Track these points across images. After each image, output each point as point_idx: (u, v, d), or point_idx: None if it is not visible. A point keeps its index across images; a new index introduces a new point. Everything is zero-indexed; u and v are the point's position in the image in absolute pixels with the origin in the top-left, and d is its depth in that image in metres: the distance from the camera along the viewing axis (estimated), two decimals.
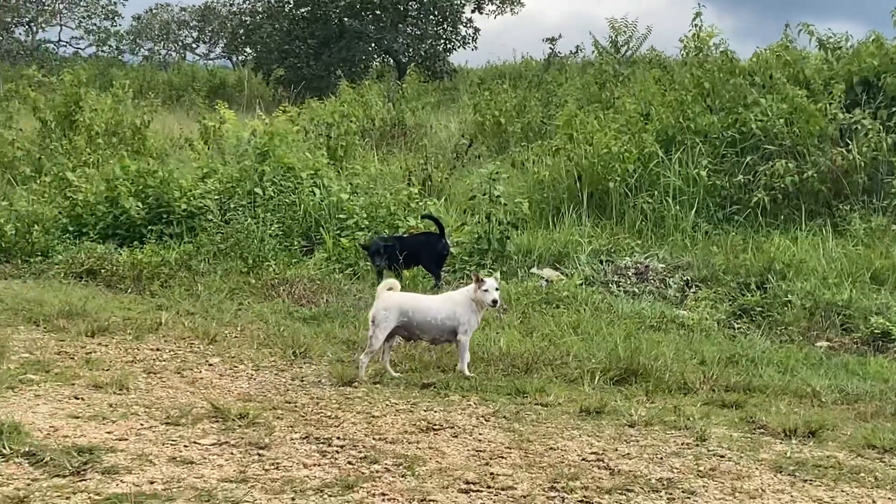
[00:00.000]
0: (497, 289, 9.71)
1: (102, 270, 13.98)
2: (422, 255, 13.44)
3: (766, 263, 13.59)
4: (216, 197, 15.96)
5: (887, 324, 11.79)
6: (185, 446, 7.37)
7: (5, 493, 6.27)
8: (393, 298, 9.69)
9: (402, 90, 30.05)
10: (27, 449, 7.00)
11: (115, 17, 51.31)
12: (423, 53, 41.73)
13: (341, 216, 15.63)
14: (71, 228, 15.95)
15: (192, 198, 15.93)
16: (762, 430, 8.35)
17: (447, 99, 32.84)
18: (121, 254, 14.59)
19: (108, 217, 15.94)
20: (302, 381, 9.48)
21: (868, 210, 15.45)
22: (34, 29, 49.40)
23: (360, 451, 7.39)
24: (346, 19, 40.76)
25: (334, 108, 22.23)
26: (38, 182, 17.94)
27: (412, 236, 13.99)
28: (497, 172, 15.27)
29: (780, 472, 7.30)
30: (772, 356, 10.79)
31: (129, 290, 13.34)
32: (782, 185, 15.55)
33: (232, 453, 7.26)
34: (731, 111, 17.15)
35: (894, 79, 17.04)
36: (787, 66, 17.93)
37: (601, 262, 14.45)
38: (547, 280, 13.61)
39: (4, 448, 6.95)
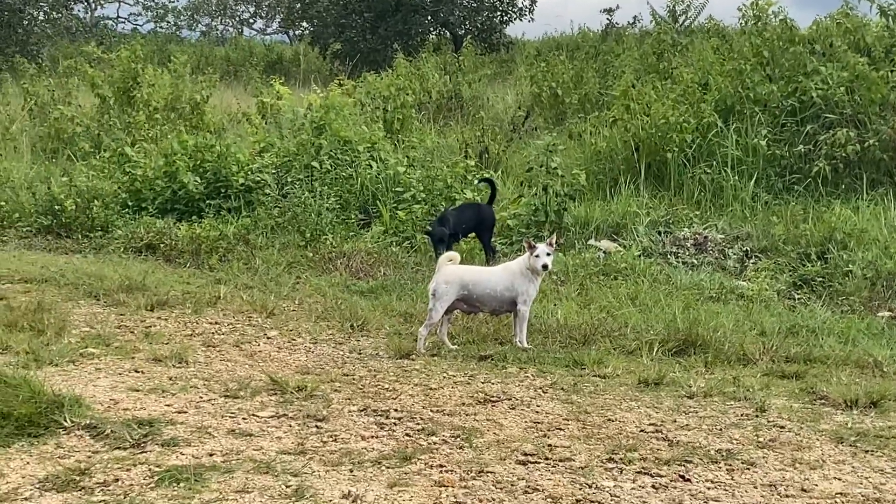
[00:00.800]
0: (549, 254, 9.63)
1: (161, 245, 14.10)
2: (477, 227, 13.39)
3: (827, 233, 13.41)
4: (273, 171, 16.01)
5: None
6: (244, 419, 7.42)
7: (67, 464, 6.34)
8: (454, 271, 9.67)
9: (458, 63, 29.94)
10: (88, 422, 7.08)
11: None
12: (479, 26, 41.53)
13: (398, 189, 15.63)
14: (130, 203, 16.08)
15: (249, 172, 16.00)
16: (823, 401, 8.26)
17: (503, 71, 32.66)
18: (179, 228, 14.69)
19: (167, 192, 16.07)
20: (360, 353, 9.51)
21: None
22: (93, 5, 49.76)
23: (418, 423, 7.40)
24: None
25: (390, 82, 22.17)
26: (98, 158, 18.12)
27: (467, 206, 13.87)
28: (554, 144, 15.18)
29: (842, 442, 7.22)
30: (832, 326, 10.66)
31: (188, 265, 13.45)
32: (843, 154, 15.33)
33: (290, 426, 7.30)
34: (790, 80, 16.91)
35: None
36: (848, 33, 17.65)
37: (659, 233, 14.35)
38: (604, 252, 13.54)
39: (66, 421, 7.03)
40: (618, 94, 18.40)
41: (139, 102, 21.04)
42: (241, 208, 15.55)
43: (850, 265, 12.47)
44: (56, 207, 15.52)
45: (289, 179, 15.71)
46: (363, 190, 15.76)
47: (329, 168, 15.90)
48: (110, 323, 10.22)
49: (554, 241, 9.90)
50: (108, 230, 15.09)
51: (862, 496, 6.17)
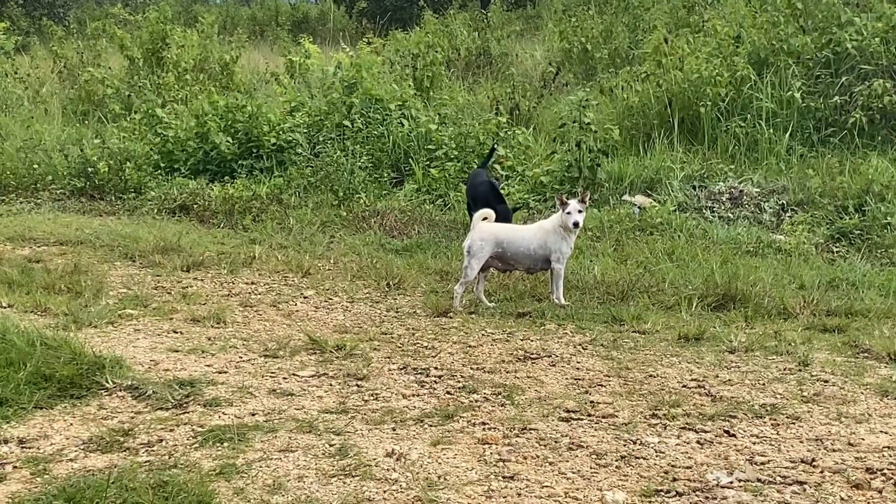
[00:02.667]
0: (580, 210, 9.58)
1: (195, 206, 14.12)
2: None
3: (864, 185, 13.25)
4: (305, 130, 15.98)
5: None
6: (284, 378, 7.43)
7: (111, 425, 6.36)
8: (488, 229, 9.63)
9: (486, 19, 29.74)
10: (129, 383, 7.11)
11: None
12: None
13: (430, 147, 15.56)
14: (162, 165, 16.08)
15: (280, 132, 15.95)
16: (866, 355, 8.18)
17: (531, 27, 32.43)
18: (212, 189, 14.70)
19: (199, 153, 16.05)
20: (397, 312, 9.49)
21: None
22: None
23: (459, 381, 7.39)
24: None
25: (419, 39, 22.05)
26: (129, 119, 18.12)
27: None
28: (587, 99, 15.06)
29: (887, 396, 7.15)
30: (873, 279, 10.55)
31: (222, 225, 13.46)
32: (880, 106, 15.13)
33: (331, 385, 7.30)
34: (824, 31, 16.68)
35: None
36: None
37: (694, 187, 14.23)
38: (639, 207, 13.45)
39: (108, 382, 7.06)
40: (650, 49, 18.22)
41: (168, 63, 21.03)
42: (274, 168, 15.53)
43: (888, 217, 12.33)
44: (89, 170, 15.53)
45: (320, 139, 15.68)
46: (395, 148, 15.71)
47: (360, 127, 15.85)
48: (147, 284, 10.24)
49: (587, 197, 9.82)
50: (141, 192, 15.11)
51: None
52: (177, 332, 8.58)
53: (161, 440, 6.16)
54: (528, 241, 9.63)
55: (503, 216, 10.75)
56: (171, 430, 6.32)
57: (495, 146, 14.02)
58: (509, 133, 15.87)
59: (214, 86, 20.20)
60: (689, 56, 16.98)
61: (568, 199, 9.70)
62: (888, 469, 5.78)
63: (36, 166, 16.13)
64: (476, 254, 9.50)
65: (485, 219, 9.72)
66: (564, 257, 9.68)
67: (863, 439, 6.28)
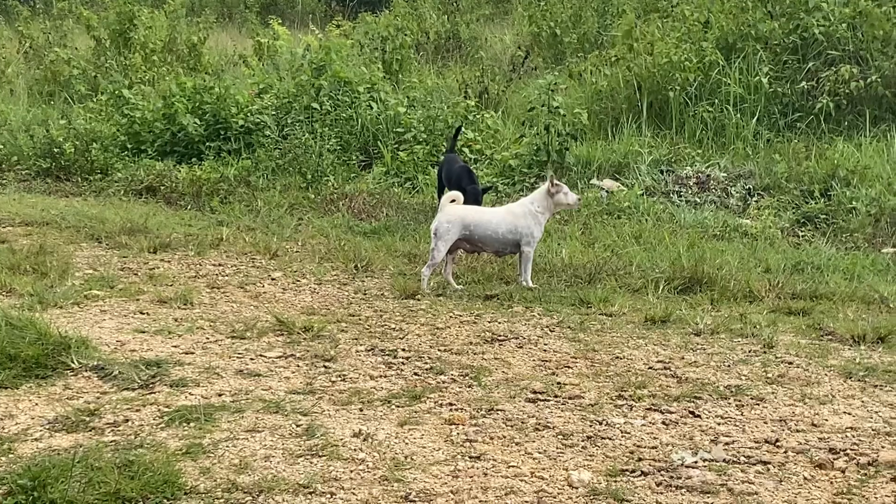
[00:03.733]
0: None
1: (162, 187, 14.06)
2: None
3: (830, 170, 13.36)
4: (273, 112, 15.93)
5: None
6: (252, 359, 7.42)
7: (77, 405, 6.34)
8: (455, 211, 9.63)
9: (456, 2, 29.70)
10: (95, 363, 7.07)
11: None
12: None
13: (399, 130, 15.56)
14: (129, 146, 16.00)
15: (249, 114, 15.90)
16: (830, 337, 8.26)
17: (500, 11, 32.41)
18: (179, 170, 14.65)
19: (166, 134, 15.98)
20: (365, 294, 9.49)
21: None
22: None
23: (426, 363, 7.40)
24: None
25: (388, 22, 22.00)
26: (95, 101, 18.01)
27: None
28: (556, 83, 15.08)
29: (850, 377, 7.22)
30: (837, 263, 10.65)
31: (189, 207, 13.41)
32: (846, 91, 15.23)
33: (298, 366, 7.30)
34: (792, 17, 16.75)
35: None
36: None
37: (662, 172, 14.29)
38: (607, 191, 13.49)
39: (73, 362, 7.02)
40: (620, 33, 18.26)
41: (136, 44, 20.89)
42: (242, 150, 15.49)
43: (853, 202, 12.45)
44: (55, 150, 15.43)
45: (289, 121, 15.64)
46: (364, 131, 15.70)
47: (329, 109, 15.82)
48: (113, 265, 10.19)
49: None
50: (108, 173, 15.02)
51: (872, 430, 6.17)
52: (143, 313, 8.54)
53: (127, 420, 6.14)
54: (496, 224, 9.63)
55: (473, 196, 10.79)
56: (138, 411, 6.30)
57: (461, 126, 14.02)
58: (478, 116, 15.87)
59: (182, 67, 20.10)
60: (659, 41, 17.03)
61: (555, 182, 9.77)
62: (851, 449, 5.84)
63: (1, 147, 16.02)
64: (443, 236, 9.50)
65: (452, 201, 9.72)
66: (535, 241, 9.71)
67: (826, 420, 6.33)
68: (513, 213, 9.72)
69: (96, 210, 12.79)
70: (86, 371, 6.96)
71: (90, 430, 5.98)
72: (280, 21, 22.06)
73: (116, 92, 17.38)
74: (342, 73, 16.56)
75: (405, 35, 20.33)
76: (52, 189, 14.78)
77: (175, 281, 9.69)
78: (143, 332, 7.97)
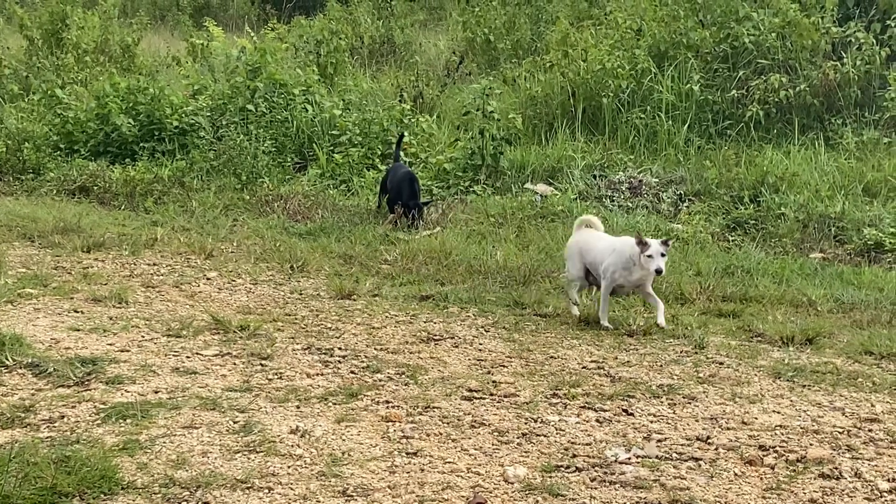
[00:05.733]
0: (663, 254, 8.38)
1: (95, 187, 13.94)
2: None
3: (760, 177, 13.57)
4: (208, 114, 15.86)
5: (880, 235, 11.83)
6: (188, 357, 7.42)
7: (11, 402, 6.31)
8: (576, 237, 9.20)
9: (390, 7, 29.75)
10: (30, 360, 7.05)
11: None
12: None
13: (334, 132, 15.57)
14: (62, 146, 15.83)
15: (183, 115, 15.83)
16: (759, 338, 8.43)
17: (434, 17, 32.51)
18: (113, 171, 14.53)
19: (100, 134, 15.83)
20: (301, 294, 9.51)
21: (860, 123, 15.37)
22: None
23: (363, 361, 7.45)
24: None
25: (323, 26, 21.98)
26: (27, 100, 17.82)
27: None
28: (490, 88, 15.19)
29: (779, 377, 7.37)
30: (767, 267, 10.83)
31: (123, 207, 13.32)
32: (775, 100, 15.48)
33: (235, 364, 7.31)
34: (722, 26, 16.99)
35: None
36: None
37: (595, 177, 14.43)
38: (541, 195, 13.60)
39: (7, 359, 7.00)
40: (556, 39, 18.40)
41: (68, 45, 20.69)
42: (176, 151, 15.39)
43: (782, 208, 12.66)
44: None
45: (223, 122, 15.57)
46: (299, 133, 15.69)
47: (264, 111, 15.79)
48: (47, 264, 10.11)
49: (670, 242, 8.75)
50: (40, 172, 14.85)
51: (800, 428, 6.31)
52: (77, 312, 8.49)
53: (63, 416, 6.13)
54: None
55: (417, 210, 11.59)
56: (73, 407, 6.29)
57: (403, 134, 14.11)
58: (413, 120, 15.93)
59: (116, 68, 19.94)
60: (592, 48, 17.19)
61: (647, 238, 8.57)
62: (780, 446, 5.98)
63: None
64: (570, 257, 9.12)
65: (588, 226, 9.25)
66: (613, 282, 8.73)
67: (756, 418, 6.47)
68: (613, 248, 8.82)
69: (28, 209, 12.66)
70: (20, 368, 6.94)
71: (25, 427, 5.97)
72: (214, 24, 21.96)
73: (49, 91, 17.23)
74: (277, 75, 16.54)
75: (340, 39, 20.35)
76: None
77: (109, 280, 9.63)
78: (78, 331, 7.93)
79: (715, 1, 17.54)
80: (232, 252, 11.07)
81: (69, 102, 16.62)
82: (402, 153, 14.10)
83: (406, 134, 14.89)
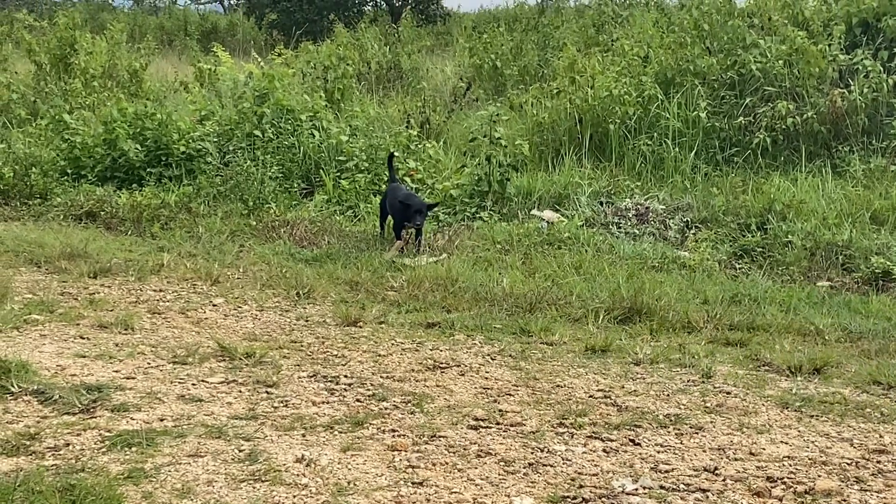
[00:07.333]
0: None
1: (102, 213, 13.93)
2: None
3: (767, 204, 13.55)
4: (215, 139, 15.89)
5: (888, 263, 11.77)
6: (194, 384, 7.40)
7: (17, 429, 6.30)
8: None
9: (397, 33, 29.89)
10: (35, 387, 7.03)
11: None
12: None
13: (341, 158, 15.58)
14: (69, 171, 15.85)
15: (190, 140, 15.86)
16: (767, 368, 8.38)
17: (441, 43, 32.67)
18: (120, 196, 14.54)
19: (107, 159, 15.85)
20: (307, 321, 9.49)
21: (867, 151, 15.37)
22: None
23: (368, 389, 7.42)
24: None
25: (330, 51, 22.06)
26: (35, 125, 17.88)
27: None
28: (498, 114, 15.21)
29: (787, 407, 7.33)
30: (774, 295, 10.78)
31: (130, 232, 13.30)
32: (782, 127, 15.49)
33: (240, 391, 7.29)
34: (729, 53, 17.03)
35: (894, 20, 16.91)
36: (786, 7, 17.79)
37: (601, 203, 14.42)
38: (547, 222, 13.59)
39: (13, 386, 6.98)
40: (563, 65, 18.46)
41: (76, 70, 20.79)
42: (183, 176, 15.40)
43: (789, 236, 12.62)
44: None
45: (231, 148, 15.60)
46: (306, 159, 15.70)
47: (271, 137, 15.81)
48: (53, 290, 10.10)
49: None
50: (47, 198, 14.87)
51: (809, 459, 6.28)
52: (84, 338, 8.49)
53: (68, 444, 6.12)
54: None
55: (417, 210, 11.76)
56: (79, 435, 6.28)
57: (392, 153, 14.09)
58: (420, 146, 15.95)
59: (123, 93, 20.02)
60: (599, 74, 17.23)
61: None
62: (788, 478, 5.94)
63: None
64: None
65: None
66: None
67: (764, 449, 6.43)
68: None
69: (35, 234, 12.67)
70: (25, 395, 6.92)
71: (30, 455, 5.95)
72: (222, 49, 22.06)
73: (57, 117, 17.27)
74: (284, 100, 16.57)
75: (347, 65, 20.42)
76: None
77: (115, 306, 9.63)
78: (84, 357, 7.93)
79: (722, 28, 17.59)
80: (238, 278, 11.06)
81: (77, 128, 16.65)
82: (402, 177, 14.13)
83: (398, 154, 14.90)
